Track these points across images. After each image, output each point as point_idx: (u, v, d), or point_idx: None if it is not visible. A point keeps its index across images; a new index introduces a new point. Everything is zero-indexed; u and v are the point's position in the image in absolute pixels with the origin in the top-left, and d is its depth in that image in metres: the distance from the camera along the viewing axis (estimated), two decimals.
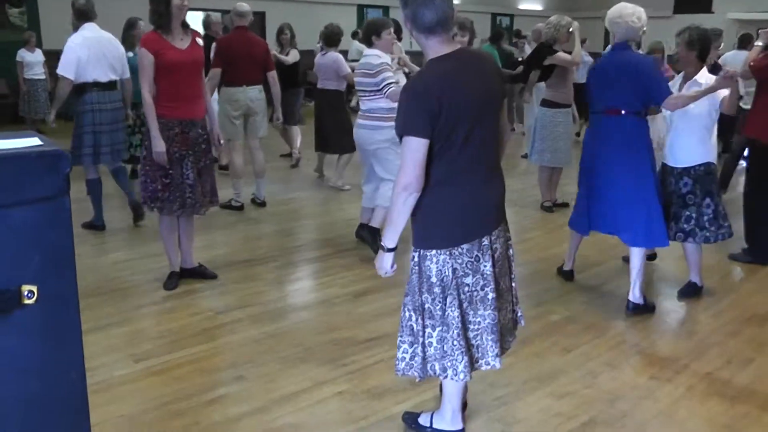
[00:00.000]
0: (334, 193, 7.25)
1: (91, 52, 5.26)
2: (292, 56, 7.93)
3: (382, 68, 4.59)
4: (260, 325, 3.94)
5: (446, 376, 2.60)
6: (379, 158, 4.84)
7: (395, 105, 2.58)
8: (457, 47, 2.50)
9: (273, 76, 6.26)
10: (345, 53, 9.75)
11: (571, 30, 6.14)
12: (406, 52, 7.24)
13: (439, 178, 2.44)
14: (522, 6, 22.01)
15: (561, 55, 6.13)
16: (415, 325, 2.60)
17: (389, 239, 2.51)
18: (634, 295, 4.16)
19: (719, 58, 8.06)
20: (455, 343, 2.53)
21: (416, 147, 2.35)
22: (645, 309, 4.19)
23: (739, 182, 7.29)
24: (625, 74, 3.99)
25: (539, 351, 3.68)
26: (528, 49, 10.93)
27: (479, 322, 2.55)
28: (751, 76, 5.17)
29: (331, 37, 7.14)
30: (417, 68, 3.73)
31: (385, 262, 2.55)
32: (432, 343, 2.57)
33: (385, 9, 17.25)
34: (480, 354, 2.59)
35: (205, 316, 4.06)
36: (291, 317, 4.11)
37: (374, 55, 4.67)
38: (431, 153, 2.39)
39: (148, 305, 4.22)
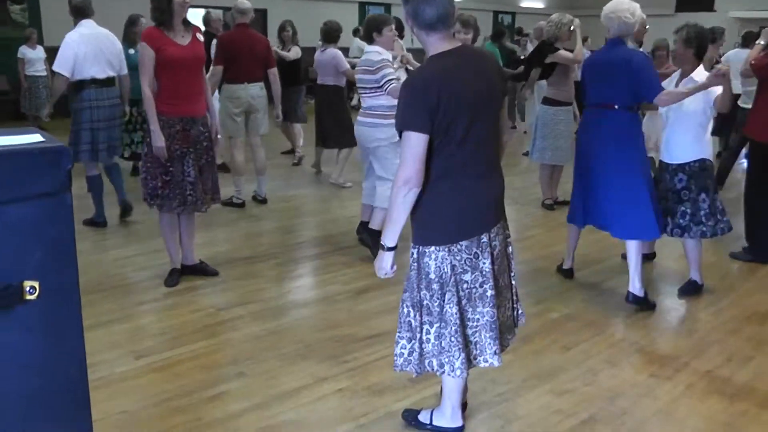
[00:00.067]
0: (335, 190, 7.25)
1: (88, 49, 5.26)
2: (294, 53, 7.94)
3: (382, 65, 4.58)
4: (261, 321, 3.95)
5: (443, 372, 2.61)
6: (378, 157, 4.83)
7: (396, 102, 2.58)
8: (457, 44, 2.50)
9: (274, 73, 6.28)
10: (346, 50, 9.77)
11: (572, 28, 6.14)
12: (407, 50, 7.26)
13: (438, 174, 2.44)
14: (524, 4, 21.99)
15: (562, 53, 6.13)
16: (413, 321, 2.60)
17: (389, 238, 2.50)
18: (635, 287, 4.19)
19: (721, 56, 8.07)
20: (452, 339, 2.53)
21: (416, 142, 2.36)
22: (646, 303, 4.21)
23: (738, 181, 7.29)
24: (618, 70, 4.03)
25: (539, 348, 3.69)
26: (530, 47, 10.93)
27: (478, 319, 2.55)
28: (752, 75, 5.17)
29: (330, 34, 7.18)
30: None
31: (384, 262, 2.54)
32: (430, 339, 2.58)
33: (387, 6, 17.24)
34: (478, 351, 2.59)
35: (206, 313, 4.07)
36: (292, 314, 4.11)
37: (375, 52, 4.67)
38: (430, 149, 2.39)
39: (149, 302, 4.23)
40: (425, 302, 2.56)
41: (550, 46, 6.22)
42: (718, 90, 4.02)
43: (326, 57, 7.18)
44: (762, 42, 5.29)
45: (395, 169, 2.57)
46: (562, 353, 3.64)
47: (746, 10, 18.09)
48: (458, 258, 2.50)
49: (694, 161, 4.22)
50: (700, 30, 4.22)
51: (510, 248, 2.71)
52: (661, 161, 4.41)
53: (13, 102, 11.46)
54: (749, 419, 3.04)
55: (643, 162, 4.15)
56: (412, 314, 2.60)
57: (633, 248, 4.18)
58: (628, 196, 4.10)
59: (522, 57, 10.44)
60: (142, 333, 3.82)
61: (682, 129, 4.22)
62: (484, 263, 2.51)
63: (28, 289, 1.55)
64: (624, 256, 5.11)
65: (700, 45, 4.19)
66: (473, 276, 2.51)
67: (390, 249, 2.52)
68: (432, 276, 2.52)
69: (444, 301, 2.53)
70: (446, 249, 2.50)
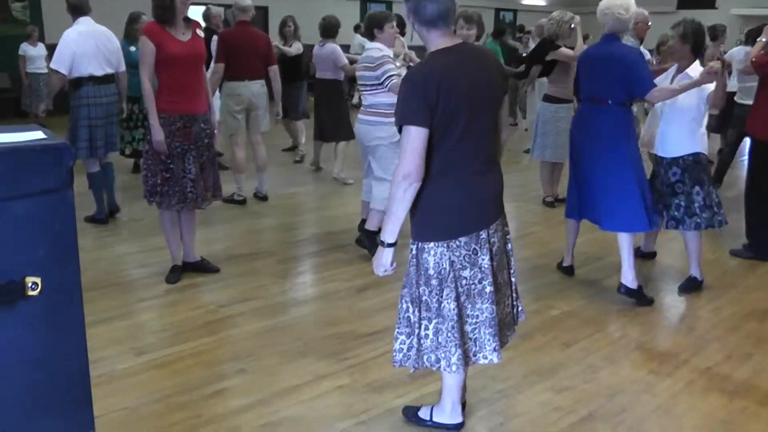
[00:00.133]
0: (336, 187, 7.26)
1: (86, 47, 5.28)
2: (295, 48, 7.94)
3: (383, 61, 4.56)
4: (262, 318, 3.96)
5: (439, 367, 2.62)
6: (377, 156, 4.81)
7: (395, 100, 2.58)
8: (458, 41, 2.51)
9: (275, 70, 6.28)
10: (347, 47, 9.77)
11: (573, 26, 6.14)
12: (408, 47, 7.26)
13: (437, 170, 2.45)
14: (525, 1, 21.96)
15: (563, 50, 6.13)
16: (412, 317, 2.61)
17: (389, 233, 2.49)
18: (626, 278, 4.24)
19: (724, 53, 8.06)
20: (449, 335, 2.54)
21: (415, 136, 2.36)
22: (639, 296, 4.26)
23: (737, 179, 7.30)
24: (611, 65, 4.07)
25: (539, 345, 3.69)
26: (532, 45, 10.93)
27: (477, 315, 2.56)
28: (752, 72, 5.17)
29: (328, 29, 7.23)
30: None
31: (384, 259, 2.52)
32: (428, 335, 2.59)
33: (388, 3, 17.23)
34: (478, 348, 2.60)
35: (207, 310, 4.08)
36: (292, 311, 4.12)
37: (376, 49, 4.66)
38: (430, 145, 2.40)
39: (150, 299, 4.24)
40: (424, 298, 2.57)
41: (551, 43, 6.22)
42: (712, 86, 4.06)
43: (325, 52, 7.23)
44: (763, 39, 5.29)
45: (393, 168, 2.57)
46: (562, 350, 3.65)
47: (748, 8, 18.05)
48: (457, 254, 2.50)
49: (688, 155, 4.27)
50: (697, 26, 4.25)
51: (509, 245, 2.72)
52: (656, 155, 4.47)
53: (14, 99, 11.47)
54: (748, 416, 3.05)
55: (634, 157, 4.19)
56: (411, 310, 2.61)
57: (624, 241, 4.22)
58: (618, 189, 4.15)
59: (524, 54, 10.44)
60: (143, 330, 3.83)
61: (676, 123, 4.27)
62: (483, 259, 2.52)
63: (30, 285, 1.56)
64: None
65: (696, 41, 4.22)
66: (472, 272, 2.52)
67: (390, 245, 2.51)
68: (431, 272, 2.53)
69: (442, 296, 2.53)
70: (445, 245, 2.50)
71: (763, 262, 5.07)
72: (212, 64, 6.15)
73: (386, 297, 4.21)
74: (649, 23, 6.25)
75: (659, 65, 5.94)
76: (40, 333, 1.62)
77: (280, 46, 7.80)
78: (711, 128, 7.86)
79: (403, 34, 7.10)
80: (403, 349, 2.65)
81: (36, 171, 1.55)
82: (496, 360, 2.60)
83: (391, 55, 4.68)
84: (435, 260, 2.51)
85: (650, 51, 7.27)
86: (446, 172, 2.46)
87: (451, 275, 2.51)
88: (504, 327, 2.70)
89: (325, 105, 7.44)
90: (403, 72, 4.82)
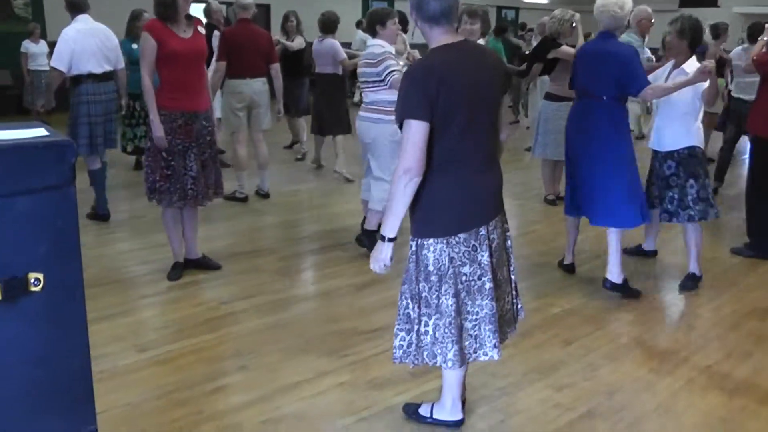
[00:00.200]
0: (338, 185, 7.26)
1: (85, 44, 5.30)
2: (297, 43, 7.93)
3: (384, 57, 4.55)
4: (263, 315, 3.97)
5: (435, 363, 2.62)
6: (376, 154, 4.80)
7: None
8: (460, 39, 2.52)
9: (276, 68, 6.29)
10: (348, 44, 9.77)
11: (574, 24, 6.14)
12: (410, 45, 7.27)
13: (437, 167, 2.46)
14: None
15: (565, 48, 6.13)
16: (411, 313, 2.62)
17: (389, 228, 2.49)
18: (611, 274, 4.30)
19: (726, 52, 8.05)
20: (446, 331, 2.55)
21: (416, 130, 2.37)
22: (625, 290, 4.31)
23: (738, 177, 7.30)
24: (606, 62, 4.12)
25: (540, 343, 3.70)
26: (535, 42, 10.93)
27: (477, 312, 2.57)
28: (754, 70, 5.17)
29: (328, 24, 7.27)
30: None
31: (384, 253, 2.52)
32: (428, 331, 2.59)
33: (390, 0, 17.22)
34: (478, 344, 2.60)
35: (209, 307, 4.09)
36: (294, 308, 4.13)
37: (377, 45, 4.65)
38: (429, 140, 2.41)
39: (152, 295, 4.26)
40: (424, 294, 2.57)
41: (552, 41, 6.22)
42: (706, 83, 4.11)
43: (324, 47, 7.27)
44: (765, 38, 5.29)
45: (392, 168, 2.57)
46: (563, 348, 3.66)
47: (750, 6, 18.03)
48: (456, 250, 2.51)
49: (683, 148, 4.32)
50: (695, 22, 4.30)
51: (509, 242, 2.73)
52: (651, 149, 4.53)
53: (16, 97, 11.48)
54: (748, 415, 3.06)
55: (627, 153, 4.23)
56: (410, 306, 2.62)
57: (612, 236, 4.28)
58: (607, 184, 4.19)
59: (527, 52, 10.44)
60: (145, 326, 3.84)
61: (671, 118, 4.33)
62: (482, 256, 2.53)
63: (32, 281, 1.57)
64: (626, 251, 5.14)
65: (693, 37, 4.27)
66: (472, 268, 2.53)
67: (390, 240, 2.51)
68: (431, 268, 2.53)
69: (441, 292, 2.54)
70: (444, 241, 2.51)
71: (763, 260, 5.07)
72: (213, 61, 6.16)
73: (387, 294, 4.21)
74: (653, 20, 6.25)
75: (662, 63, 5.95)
76: (42, 329, 1.62)
77: (283, 41, 7.80)
78: (715, 126, 7.92)
79: (405, 31, 7.11)
80: (402, 345, 2.66)
81: (38, 168, 1.56)
82: (496, 357, 2.60)
83: (393, 52, 4.67)
84: (435, 256, 2.52)
85: (655, 49, 7.28)
86: (446, 168, 2.46)
87: (451, 271, 2.52)
88: (504, 324, 2.71)
89: (324, 99, 7.47)
90: (404, 68, 4.81)
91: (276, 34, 8.02)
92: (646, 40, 6.54)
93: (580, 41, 6.26)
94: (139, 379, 3.25)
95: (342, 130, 7.46)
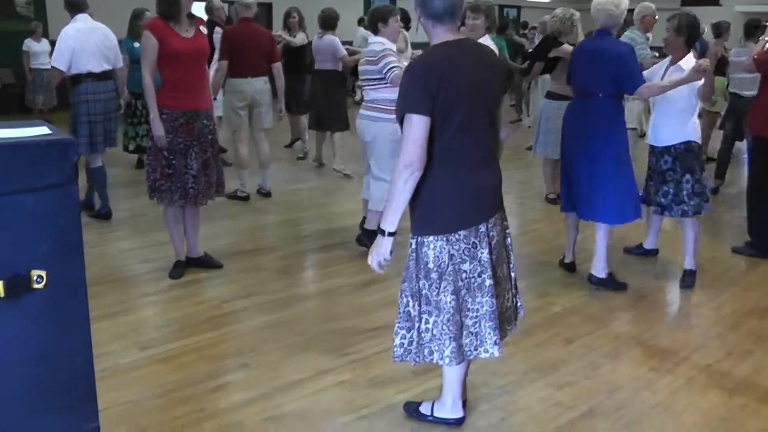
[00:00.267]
0: (340, 184, 7.27)
1: (84, 44, 5.33)
2: (300, 39, 7.93)
3: (384, 53, 4.54)
4: (265, 314, 3.98)
5: (432, 359, 2.63)
6: (374, 152, 4.80)
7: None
8: (462, 37, 2.54)
9: (278, 67, 6.30)
10: (350, 42, 9.77)
11: (573, 23, 6.15)
12: (413, 43, 7.27)
13: (436, 164, 2.47)
14: None
15: (566, 47, 6.13)
16: (412, 311, 2.63)
17: (389, 222, 2.50)
18: (596, 269, 4.40)
19: (727, 50, 8.04)
20: (444, 327, 2.56)
21: (417, 125, 2.38)
22: (611, 284, 4.41)
23: (739, 176, 7.30)
24: (602, 59, 4.16)
25: (541, 342, 3.71)
26: (538, 41, 10.93)
27: (477, 309, 2.57)
28: (755, 70, 5.18)
29: (327, 21, 7.31)
30: None
31: (383, 248, 2.53)
32: (429, 328, 2.60)
33: None
34: (479, 342, 2.61)
35: (210, 305, 4.10)
36: (295, 306, 4.14)
37: (378, 42, 4.64)
38: (430, 138, 2.42)
39: (153, 294, 4.27)
40: (424, 292, 2.58)
41: (554, 40, 6.22)
42: (701, 80, 4.18)
43: (324, 43, 7.31)
44: (766, 38, 5.30)
45: (392, 167, 2.58)
46: (564, 347, 3.66)
47: (752, 4, 18.02)
48: (456, 247, 2.52)
49: (680, 143, 4.37)
50: (692, 19, 4.35)
51: (509, 239, 2.73)
52: (649, 144, 4.59)
53: (18, 95, 11.49)
54: (748, 413, 3.06)
55: (622, 151, 4.28)
56: (411, 304, 2.63)
57: (600, 232, 4.35)
58: (599, 180, 4.23)
59: (529, 51, 10.43)
60: (147, 325, 3.86)
61: (667, 114, 4.38)
62: (482, 253, 2.54)
63: (35, 278, 1.58)
64: (626, 251, 5.16)
65: (690, 34, 4.33)
66: (472, 266, 2.54)
67: (390, 234, 2.52)
68: (431, 265, 2.54)
69: (440, 289, 2.55)
70: (444, 238, 2.52)
71: (764, 259, 5.07)
72: (215, 60, 6.16)
73: (387, 293, 4.22)
74: (656, 17, 6.26)
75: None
76: (44, 327, 1.63)
77: (285, 36, 7.80)
78: (717, 126, 7.92)
79: (408, 28, 7.11)
80: (403, 344, 2.67)
81: (41, 166, 1.57)
82: (497, 354, 2.61)
83: (394, 49, 4.65)
84: (435, 254, 2.53)
85: (659, 47, 7.28)
86: (445, 165, 2.48)
87: (450, 268, 2.53)
88: (504, 321, 2.72)
89: (324, 95, 7.49)
90: (404, 65, 4.80)
91: (278, 31, 8.03)
92: (650, 37, 6.54)
93: (581, 40, 6.25)
94: (140, 377, 3.26)
95: (341, 127, 7.50)
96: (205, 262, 4.65)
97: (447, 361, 2.59)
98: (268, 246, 5.25)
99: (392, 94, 4.45)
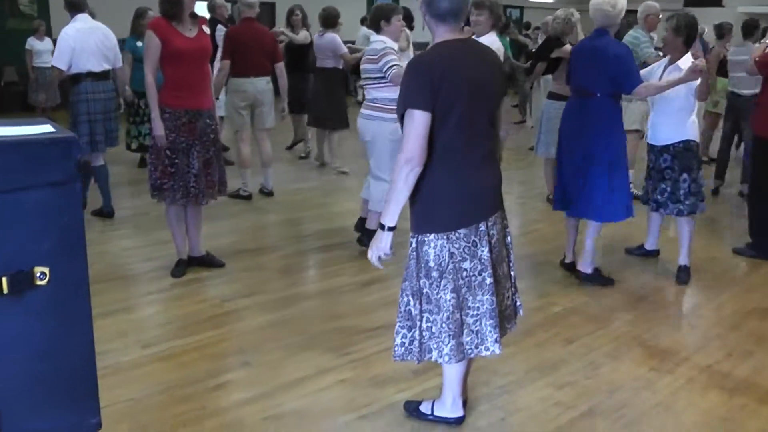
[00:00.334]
0: (341, 183, 7.28)
1: (84, 43, 5.36)
2: (303, 36, 7.94)
3: (385, 52, 4.53)
4: (266, 312, 3.99)
5: (431, 357, 2.64)
6: (374, 152, 4.79)
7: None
8: (463, 36, 2.57)
9: (280, 67, 6.32)
10: (352, 41, 9.78)
11: (573, 24, 6.16)
12: (415, 43, 7.28)
13: (436, 162, 2.48)
14: None
15: (567, 48, 6.13)
16: (413, 310, 2.64)
17: (390, 217, 2.51)
18: (583, 265, 4.51)
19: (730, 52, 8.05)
20: (443, 325, 2.57)
21: (419, 120, 2.40)
22: (598, 279, 4.51)
23: (739, 176, 7.29)
24: (599, 60, 4.20)
25: (541, 342, 3.71)
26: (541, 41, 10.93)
27: (478, 307, 2.58)
28: (756, 72, 5.19)
29: (328, 19, 7.35)
30: None
31: (383, 242, 2.54)
32: (430, 327, 2.61)
33: None
34: (479, 340, 2.62)
35: (212, 304, 4.11)
36: (297, 305, 4.15)
37: (379, 41, 4.63)
38: (430, 135, 2.44)
39: (155, 292, 4.28)
40: (425, 290, 2.59)
41: (556, 40, 6.23)
42: (698, 80, 4.25)
43: (324, 41, 7.36)
44: (767, 41, 5.31)
45: (390, 167, 2.58)
46: (564, 347, 3.67)
47: (754, 5, 17.99)
48: (457, 246, 2.53)
49: (679, 142, 4.45)
50: (690, 19, 4.42)
51: (509, 238, 2.74)
52: (648, 143, 4.66)
53: (21, 93, 11.52)
54: (748, 413, 3.07)
55: (619, 150, 4.31)
56: (412, 303, 2.64)
57: (592, 229, 4.44)
58: (595, 179, 4.28)
59: (533, 50, 10.43)
60: (149, 323, 3.87)
61: (666, 113, 4.46)
62: (482, 251, 2.55)
63: (38, 275, 1.59)
64: (628, 251, 5.17)
65: (689, 34, 4.39)
66: (472, 264, 2.55)
67: (390, 229, 2.54)
68: (431, 264, 2.55)
69: (440, 288, 2.56)
70: (445, 237, 2.53)
71: (765, 260, 5.07)
72: (217, 59, 6.17)
73: (388, 293, 4.23)
74: (660, 15, 6.27)
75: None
76: (47, 323, 1.64)
77: (287, 33, 7.81)
78: (718, 127, 7.92)
79: (411, 27, 7.13)
80: (404, 343, 2.68)
81: (44, 163, 1.58)
82: (498, 351, 2.62)
83: (395, 48, 4.64)
84: (435, 252, 2.54)
85: (663, 48, 7.28)
86: (445, 164, 2.49)
87: (451, 267, 2.54)
88: (504, 319, 2.72)
89: (324, 92, 7.52)
90: (405, 63, 4.79)
91: (280, 27, 8.04)
92: (655, 37, 6.55)
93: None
94: (142, 374, 3.27)
95: (340, 125, 7.55)
96: (207, 261, 4.66)
97: (446, 359, 2.60)
98: (269, 245, 5.26)
99: (393, 93, 4.47)
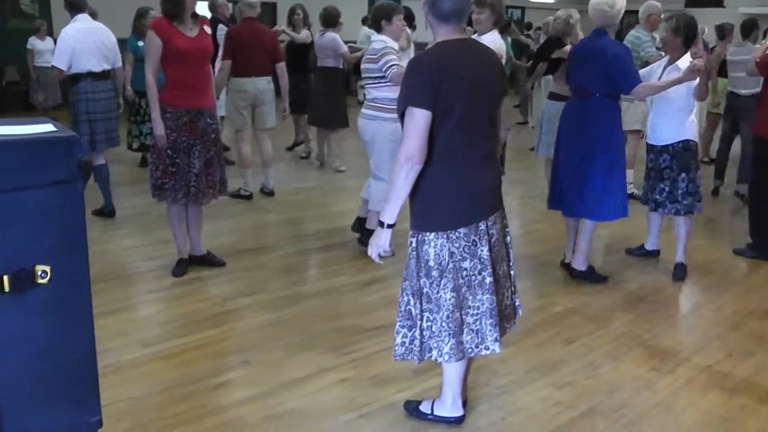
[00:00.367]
0: (342, 183, 7.29)
1: (84, 43, 5.37)
2: (304, 35, 7.94)
3: (385, 51, 4.53)
4: (267, 312, 4.00)
5: (431, 357, 2.65)
6: (374, 152, 4.79)
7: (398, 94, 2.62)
8: (464, 37, 2.58)
9: (282, 67, 6.32)
10: (353, 41, 9.79)
11: (571, 23, 6.16)
12: (416, 43, 7.30)
13: (437, 160, 2.49)
14: None
15: (568, 48, 6.13)
16: (413, 309, 2.64)
17: (389, 215, 2.53)
18: (577, 262, 4.55)
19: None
20: (443, 324, 2.58)
21: (419, 118, 2.41)
22: (591, 276, 4.54)
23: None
24: (598, 60, 4.22)
25: (541, 342, 3.72)
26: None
27: (478, 306, 2.59)
28: (757, 73, 5.19)
29: (329, 18, 7.38)
30: None
31: (383, 239, 2.56)
32: (430, 326, 2.62)
33: None
34: (480, 339, 2.62)
35: (213, 303, 4.12)
36: (297, 305, 4.15)
37: (380, 41, 4.63)
38: (430, 134, 2.45)
39: (156, 291, 4.29)
40: (425, 290, 2.60)
41: (557, 41, 6.23)
42: (697, 80, 4.28)
43: (325, 41, 7.39)
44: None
45: (390, 168, 2.59)
46: (564, 346, 3.67)
47: (756, 6, 17.98)
48: (457, 245, 2.54)
49: (678, 142, 4.49)
50: (689, 19, 4.46)
51: (508, 238, 2.75)
52: (647, 143, 4.70)
53: (22, 93, 11.53)
54: (748, 413, 3.07)
55: (615, 149, 4.33)
56: (412, 302, 2.64)
57: (588, 226, 4.46)
58: (591, 178, 4.30)
59: (535, 51, 10.43)
60: (150, 322, 3.87)
61: (666, 113, 4.49)
62: (482, 250, 2.56)
63: (39, 273, 1.59)
64: (628, 251, 5.18)
65: (688, 34, 4.43)
66: (472, 263, 2.55)
67: (389, 226, 2.55)
68: (431, 263, 2.56)
69: (440, 287, 2.57)
70: (445, 236, 2.54)
71: (766, 261, 5.07)
72: (219, 59, 6.18)
73: (389, 293, 4.24)
74: (662, 15, 6.28)
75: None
76: (48, 321, 1.65)
77: (288, 32, 7.82)
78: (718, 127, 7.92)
79: (414, 27, 7.14)
80: (405, 342, 2.68)
81: (47, 162, 1.59)
82: (498, 350, 2.62)
83: (396, 48, 4.64)
84: (435, 251, 2.55)
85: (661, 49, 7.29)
86: (445, 163, 2.50)
87: (451, 266, 2.54)
88: (503, 319, 2.73)
89: (325, 92, 7.54)
90: (405, 63, 4.79)
91: (281, 26, 8.04)
92: (657, 37, 6.55)
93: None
94: (143, 373, 3.27)
95: (340, 124, 7.59)
96: (208, 260, 4.67)
97: (446, 357, 2.61)
98: (270, 245, 5.27)
99: (393, 93, 4.46)
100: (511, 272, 2.78)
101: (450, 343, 2.58)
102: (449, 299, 2.56)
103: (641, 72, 4.50)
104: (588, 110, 4.31)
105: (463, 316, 2.60)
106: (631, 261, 5.04)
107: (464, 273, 2.56)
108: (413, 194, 2.53)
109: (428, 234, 2.56)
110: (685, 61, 4.35)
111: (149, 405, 3.00)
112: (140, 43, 6.53)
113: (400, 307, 2.68)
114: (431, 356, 2.64)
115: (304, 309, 4.10)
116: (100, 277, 4.33)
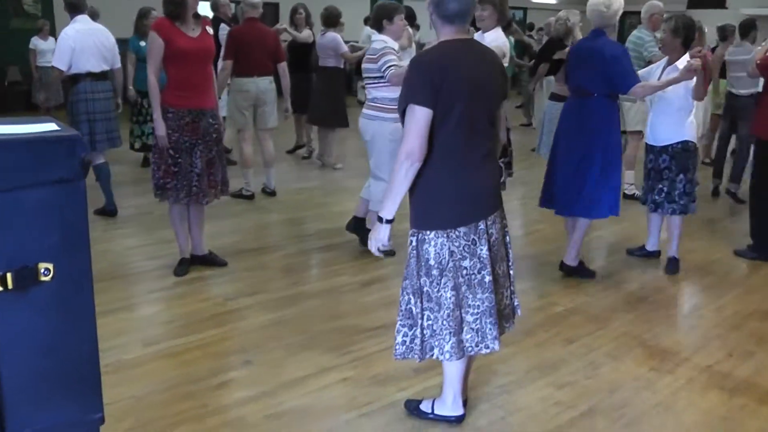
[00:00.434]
0: (343, 183, 7.30)
1: (84, 44, 5.41)
2: (306, 34, 7.95)
3: (384, 51, 4.53)
4: (268, 311, 4.01)
5: (432, 356, 2.66)
6: (373, 151, 4.79)
7: (398, 93, 2.63)
8: (466, 37, 2.60)
9: (283, 67, 6.34)
10: (355, 42, 9.80)
11: (569, 25, 6.17)
12: (417, 43, 7.31)
13: (437, 159, 2.51)
14: None
15: (568, 49, 6.15)
16: (414, 308, 2.65)
17: (388, 211, 2.56)
18: (568, 258, 4.59)
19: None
20: (444, 323, 2.59)
21: (420, 116, 2.43)
22: (581, 272, 4.60)
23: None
24: (596, 60, 4.24)
25: (542, 341, 3.72)
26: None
27: (478, 305, 2.60)
28: (758, 74, 5.19)
29: (329, 18, 7.45)
30: None
31: (382, 234, 2.59)
32: (431, 325, 2.63)
33: None
34: (480, 338, 2.63)
35: (215, 302, 4.13)
36: (298, 304, 4.16)
37: (380, 41, 4.63)
38: (430, 133, 2.46)
39: (158, 290, 4.30)
40: (425, 289, 2.61)
41: (558, 42, 6.24)
42: (694, 80, 4.32)
43: (326, 40, 7.45)
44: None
45: (390, 168, 2.60)
46: (564, 346, 3.68)
47: (758, 7, 17.96)
48: (456, 244, 2.55)
49: (677, 143, 4.54)
50: (688, 20, 4.50)
51: (508, 238, 2.76)
52: (647, 143, 4.75)
53: (25, 92, 11.55)
54: (748, 413, 3.07)
55: (612, 149, 4.36)
56: (412, 301, 2.65)
57: (582, 223, 4.50)
58: (586, 176, 4.33)
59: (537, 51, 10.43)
60: (151, 321, 3.89)
61: (665, 113, 4.54)
62: (481, 249, 2.57)
63: (42, 270, 1.60)
64: (629, 252, 5.18)
65: (687, 35, 4.47)
66: (472, 262, 2.56)
67: (388, 222, 2.58)
68: (432, 262, 2.57)
69: (441, 285, 2.58)
70: (445, 235, 2.55)
71: (766, 262, 5.08)
72: (221, 59, 6.19)
73: (389, 292, 4.25)
74: (664, 15, 6.29)
75: None
76: (51, 319, 1.66)
77: (290, 31, 7.83)
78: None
79: (417, 27, 7.15)
80: (406, 341, 2.69)
81: (50, 161, 1.60)
82: (497, 348, 2.64)
83: (396, 48, 4.64)
84: (435, 250, 2.56)
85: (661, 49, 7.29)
86: (445, 163, 2.52)
87: (451, 265, 2.56)
88: (502, 318, 2.74)
89: (325, 91, 7.58)
90: (404, 63, 4.79)
91: (282, 25, 8.05)
92: (659, 36, 6.56)
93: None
94: (144, 372, 3.29)
95: (340, 123, 7.63)
96: (210, 260, 4.68)
97: (447, 356, 2.62)
98: (272, 244, 5.28)
99: (393, 93, 4.46)
100: (511, 272, 2.79)
101: (451, 342, 2.59)
102: (449, 298, 2.57)
103: (641, 72, 4.51)
104: (587, 110, 4.33)
105: (464, 315, 2.61)
106: (631, 261, 5.05)
107: (464, 272, 2.57)
108: (413, 193, 2.55)
109: (428, 233, 2.57)
110: (684, 61, 4.38)
111: (151, 404, 3.01)
112: (142, 44, 6.55)
113: (401, 306, 2.69)
114: (432, 355, 2.65)
115: (305, 309, 4.11)
116: (102, 276, 4.34)
